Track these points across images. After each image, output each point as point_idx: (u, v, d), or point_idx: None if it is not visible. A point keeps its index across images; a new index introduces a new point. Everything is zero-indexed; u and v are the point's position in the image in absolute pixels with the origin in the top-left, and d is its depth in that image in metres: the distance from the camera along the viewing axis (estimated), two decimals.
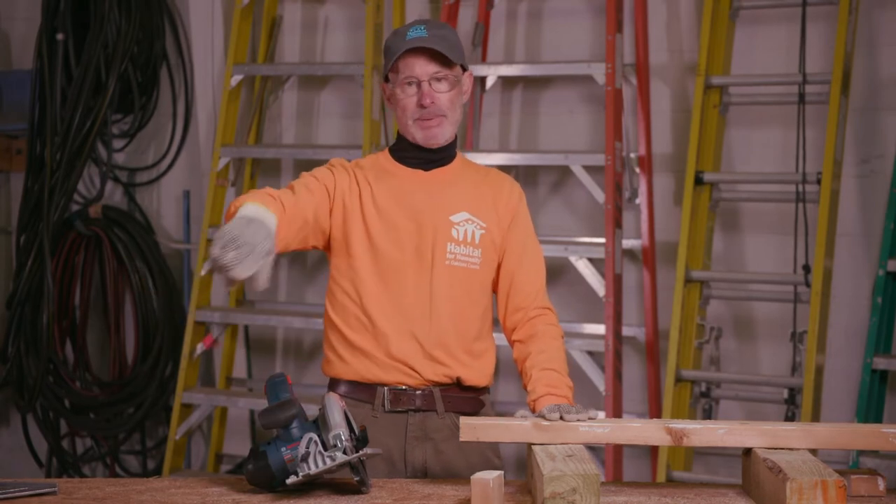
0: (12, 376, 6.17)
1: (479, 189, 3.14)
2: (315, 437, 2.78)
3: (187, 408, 5.75)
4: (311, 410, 2.95)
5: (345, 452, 2.76)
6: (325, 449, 2.77)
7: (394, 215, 3.09)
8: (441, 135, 3.10)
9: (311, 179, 3.10)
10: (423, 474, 3.09)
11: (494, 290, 3.19)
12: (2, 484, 2.80)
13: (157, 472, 6.12)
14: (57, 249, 6.14)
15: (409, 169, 3.14)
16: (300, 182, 3.08)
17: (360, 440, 2.81)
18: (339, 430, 2.77)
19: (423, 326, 3.06)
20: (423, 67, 3.05)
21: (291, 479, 2.76)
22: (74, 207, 6.22)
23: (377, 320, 3.07)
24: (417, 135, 3.09)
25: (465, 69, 3.13)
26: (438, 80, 3.07)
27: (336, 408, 2.83)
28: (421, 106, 3.06)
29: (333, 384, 3.15)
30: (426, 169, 3.14)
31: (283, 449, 2.80)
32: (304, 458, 2.76)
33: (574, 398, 3.02)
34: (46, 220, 5.99)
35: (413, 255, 3.07)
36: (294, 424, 2.82)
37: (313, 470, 2.75)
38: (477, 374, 3.13)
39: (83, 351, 6.30)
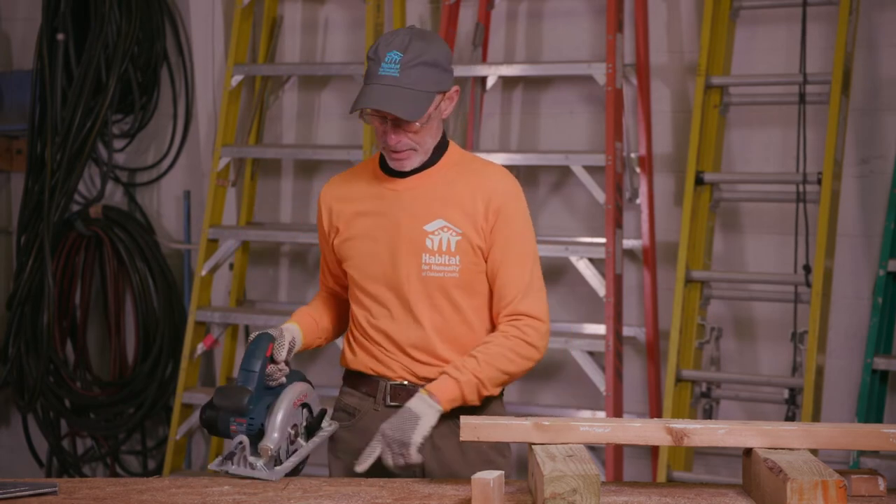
0: (13, 376, 6.17)
1: (461, 192, 3.08)
2: (246, 441, 2.90)
3: (188, 408, 5.75)
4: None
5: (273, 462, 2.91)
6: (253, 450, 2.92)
7: (370, 231, 3.11)
8: (410, 164, 3.08)
9: (321, 246, 3.27)
10: (421, 470, 3.10)
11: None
12: (2, 484, 2.80)
13: (158, 472, 6.12)
14: (57, 250, 6.14)
15: (388, 177, 3.12)
16: (322, 259, 3.28)
17: (311, 426, 2.98)
18: (271, 444, 2.89)
19: (409, 339, 3.10)
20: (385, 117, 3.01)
21: (213, 466, 2.94)
22: (75, 207, 6.22)
23: (370, 333, 3.14)
24: (389, 162, 3.08)
25: (445, 91, 3.05)
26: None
27: (281, 415, 2.94)
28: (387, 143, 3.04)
29: (346, 375, 3.22)
30: (404, 176, 3.11)
31: (232, 420, 2.94)
32: (229, 457, 2.92)
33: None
34: (47, 220, 5.98)
35: (390, 269, 3.09)
36: (251, 406, 2.94)
37: (231, 471, 2.91)
38: None
39: (83, 351, 6.29)
